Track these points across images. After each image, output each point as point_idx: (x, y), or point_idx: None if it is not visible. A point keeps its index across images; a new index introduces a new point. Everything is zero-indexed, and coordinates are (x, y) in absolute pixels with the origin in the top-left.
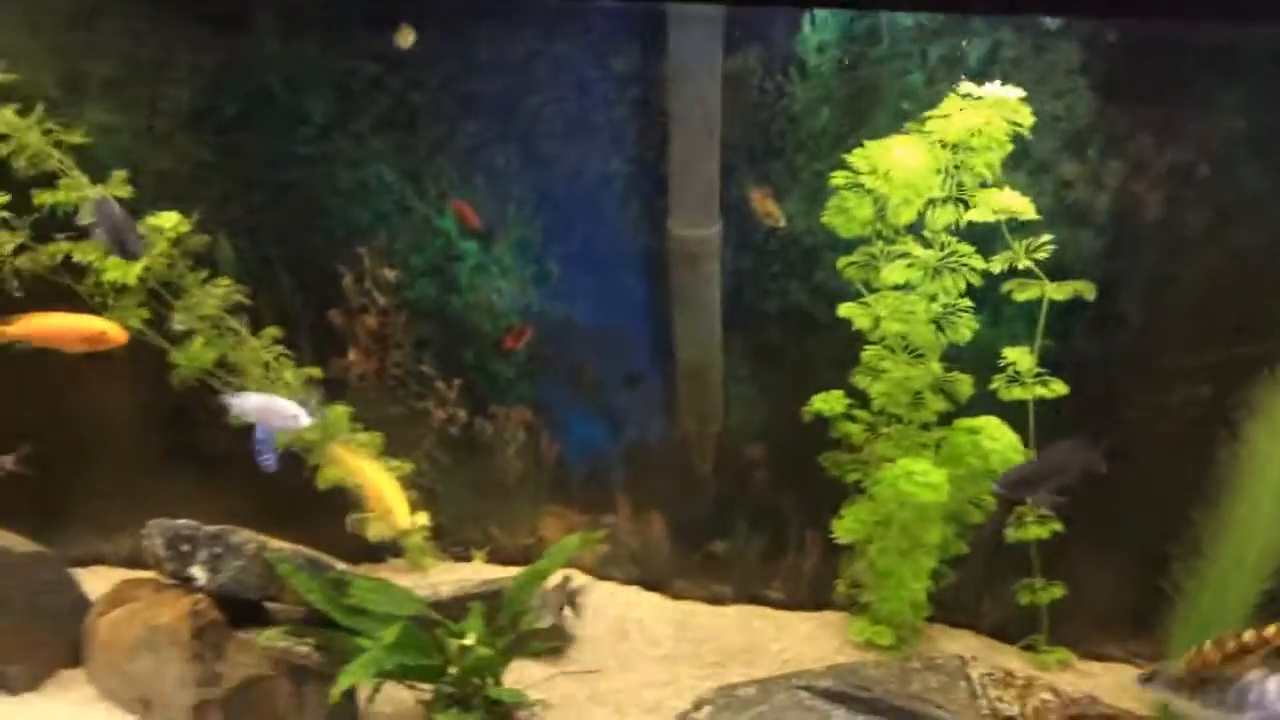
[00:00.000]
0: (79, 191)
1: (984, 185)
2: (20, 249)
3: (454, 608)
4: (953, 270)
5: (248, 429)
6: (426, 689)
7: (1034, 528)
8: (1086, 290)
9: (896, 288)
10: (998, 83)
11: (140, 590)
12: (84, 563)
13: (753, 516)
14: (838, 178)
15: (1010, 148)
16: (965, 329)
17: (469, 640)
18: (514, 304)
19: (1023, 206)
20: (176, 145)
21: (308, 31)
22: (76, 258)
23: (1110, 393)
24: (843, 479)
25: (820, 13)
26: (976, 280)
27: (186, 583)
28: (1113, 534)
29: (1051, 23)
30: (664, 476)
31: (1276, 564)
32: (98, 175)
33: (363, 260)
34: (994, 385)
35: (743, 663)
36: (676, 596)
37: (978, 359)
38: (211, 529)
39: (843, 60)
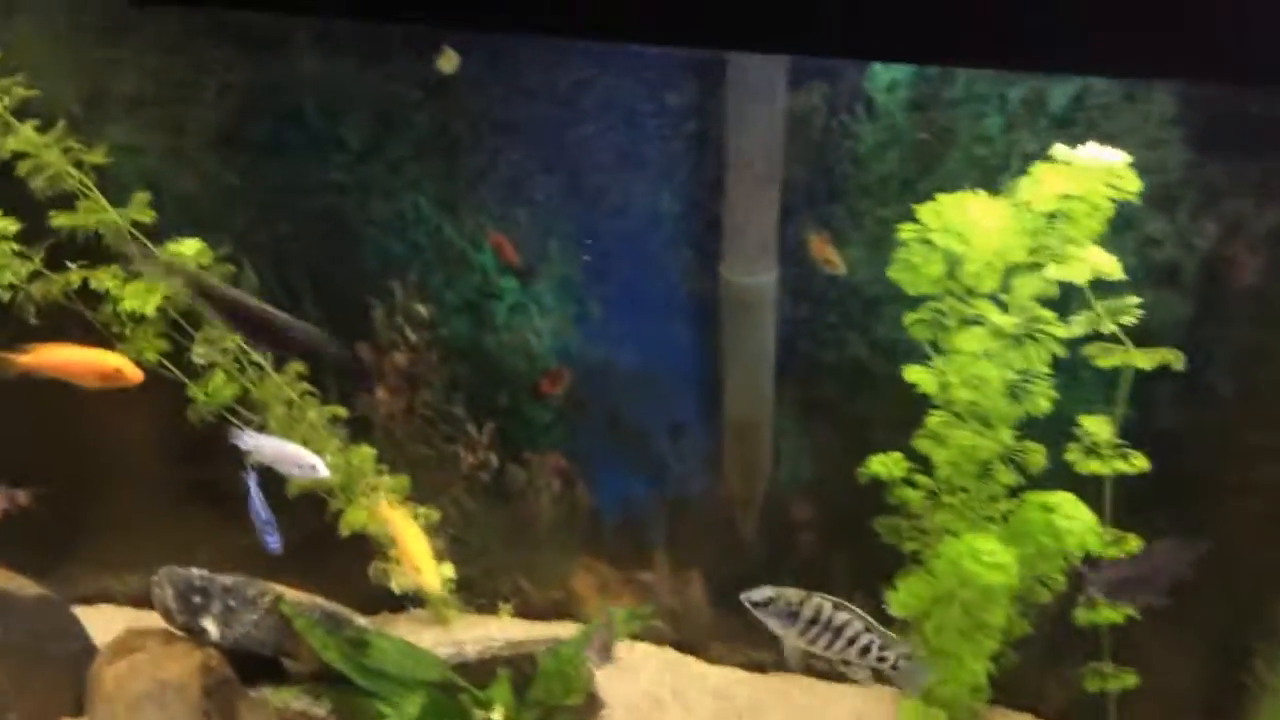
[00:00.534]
0: (97, 215)
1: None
2: (35, 275)
3: (480, 671)
4: (1034, 340)
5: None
6: None
7: (1106, 611)
8: (1175, 359)
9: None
10: (1094, 144)
11: (148, 640)
12: (90, 600)
13: (797, 580)
14: (906, 231)
15: (1112, 214)
16: (1044, 400)
17: (496, 716)
18: (552, 346)
19: (1110, 266)
20: (203, 168)
21: (345, 53)
22: (93, 285)
23: (1192, 468)
24: (898, 547)
25: None
26: (1061, 351)
27: (198, 634)
28: (1190, 619)
29: None
30: (705, 533)
31: None
32: (119, 198)
33: (394, 294)
34: (1069, 456)
35: None
36: (714, 661)
37: (1045, 424)
38: (225, 580)
39: (915, 100)
